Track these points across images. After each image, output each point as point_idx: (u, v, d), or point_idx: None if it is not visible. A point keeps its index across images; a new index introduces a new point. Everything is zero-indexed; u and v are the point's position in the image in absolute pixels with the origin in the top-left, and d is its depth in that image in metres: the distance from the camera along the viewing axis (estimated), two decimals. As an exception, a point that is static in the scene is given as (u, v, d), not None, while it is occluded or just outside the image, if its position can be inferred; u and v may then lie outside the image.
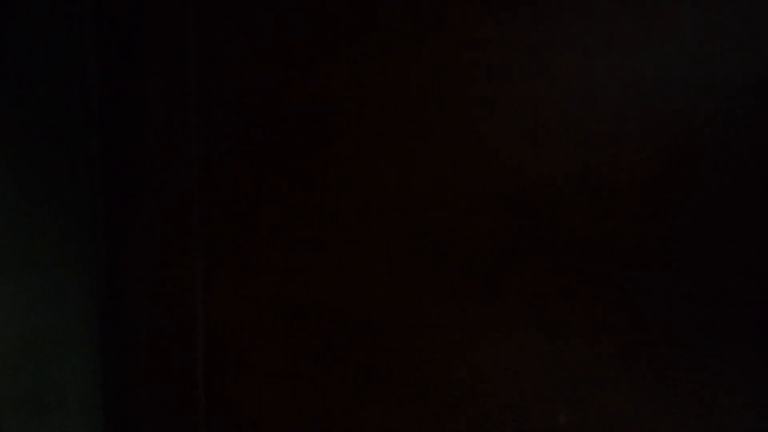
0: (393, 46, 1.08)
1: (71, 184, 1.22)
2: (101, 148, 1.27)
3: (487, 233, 1.05)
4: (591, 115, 0.99)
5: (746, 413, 0.96)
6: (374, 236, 1.11)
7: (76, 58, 1.21)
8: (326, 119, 1.12)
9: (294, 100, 1.14)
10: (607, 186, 0.99)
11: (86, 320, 1.26)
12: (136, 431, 1.29)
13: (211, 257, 1.22)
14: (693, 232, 0.97)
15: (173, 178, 1.22)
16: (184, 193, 1.22)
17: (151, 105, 1.22)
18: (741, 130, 0.93)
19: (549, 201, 1.01)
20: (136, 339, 1.28)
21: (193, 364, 1.24)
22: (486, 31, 1.02)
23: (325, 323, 1.16)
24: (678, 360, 0.99)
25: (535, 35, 1.00)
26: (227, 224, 1.20)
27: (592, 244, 1.01)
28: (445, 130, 1.06)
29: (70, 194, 1.22)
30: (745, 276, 0.95)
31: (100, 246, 1.27)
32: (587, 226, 1.00)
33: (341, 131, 1.12)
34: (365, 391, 1.14)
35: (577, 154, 1.00)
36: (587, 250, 1.01)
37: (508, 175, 1.03)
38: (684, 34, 0.94)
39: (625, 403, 1.01)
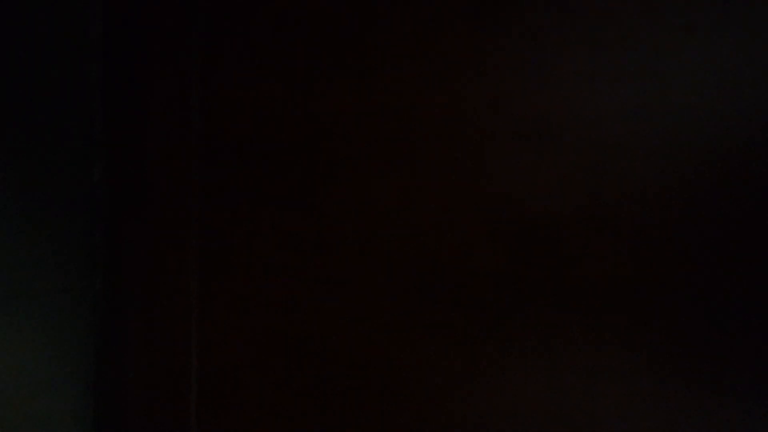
0: (393, 74, 1.08)
1: (71, 214, 1.22)
2: (103, 175, 1.27)
3: (488, 265, 1.03)
4: (596, 144, 0.97)
5: None
6: (373, 269, 1.10)
7: (81, 85, 1.22)
8: (326, 147, 1.12)
9: (294, 132, 1.14)
10: (613, 217, 0.97)
11: (80, 353, 1.25)
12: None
13: (207, 290, 1.21)
14: (700, 264, 0.94)
15: (172, 208, 1.22)
16: (182, 225, 1.22)
17: (154, 134, 1.22)
18: (746, 159, 0.90)
19: (552, 233, 0.99)
20: (129, 371, 1.26)
21: (187, 399, 1.23)
22: (489, 57, 1.02)
23: (321, 358, 1.14)
24: (689, 402, 0.95)
25: (540, 64, 1.00)
26: (224, 257, 1.20)
27: (596, 277, 0.98)
28: (448, 160, 1.06)
29: (70, 224, 1.22)
30: (749, 307, 0.92)
31: (96, 277, 1.27)
32: (591, 258, 0.98)
33: (341, 160, 1.11)
34: (361, 428, 1.12)
35: (581, 184, 0.98)
36: (591, 283, 0.98)
37: (511, 206, 1.02)
38: (688, 63, 0.93)
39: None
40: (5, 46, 1.10)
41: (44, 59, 1.15)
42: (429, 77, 1.05)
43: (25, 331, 1.15)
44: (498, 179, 1.02)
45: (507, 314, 1.03)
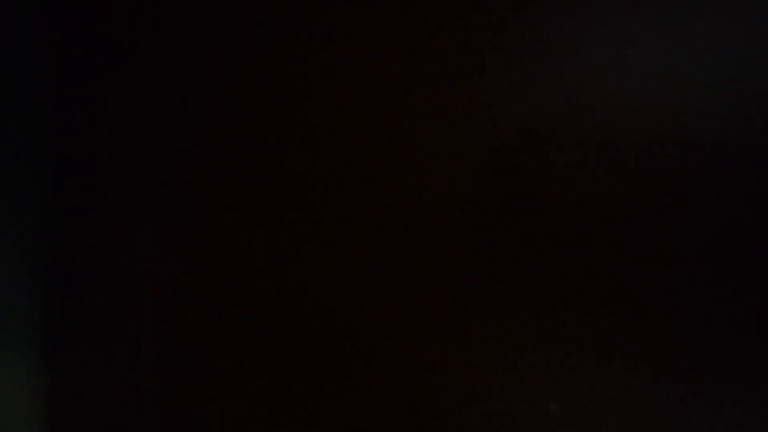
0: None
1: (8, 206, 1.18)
2: (49, 167, 1.22)
3: (472, 195, 1.02)
4: (589, 69, 0.96)
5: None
6: (354, 232, 1.07)
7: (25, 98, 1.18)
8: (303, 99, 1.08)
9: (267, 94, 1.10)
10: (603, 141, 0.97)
11: (27, 354, 1.21)
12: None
13: (165, 286, 1.18)
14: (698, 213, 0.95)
15: (127, 199, 1.19)
16: (139, 217, 1.18)
17: (115, 122, 1.18)
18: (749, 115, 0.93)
19: (537, 157, 0.99)
20: (80, 373, 1.22)
21: (143, 400, 1.19)
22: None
23: (299, 327, 1.10)
24: (691, 363, 0.95)
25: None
26: (186, 249, 1.15)
27: (582, 202, 0.98)
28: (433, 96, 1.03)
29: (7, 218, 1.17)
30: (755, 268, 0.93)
31: (39, 273, 1.23)
32: (580, 181, 0.98)
33: (316, 105, 1.07)
34: (347, 404, 1.08)
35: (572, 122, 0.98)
36: (578, 208, 0.98)
37: (496, 132, 1.01)
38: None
39: (633, 408, 0.97)
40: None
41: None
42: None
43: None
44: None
45: (496, 273, 1.01)
